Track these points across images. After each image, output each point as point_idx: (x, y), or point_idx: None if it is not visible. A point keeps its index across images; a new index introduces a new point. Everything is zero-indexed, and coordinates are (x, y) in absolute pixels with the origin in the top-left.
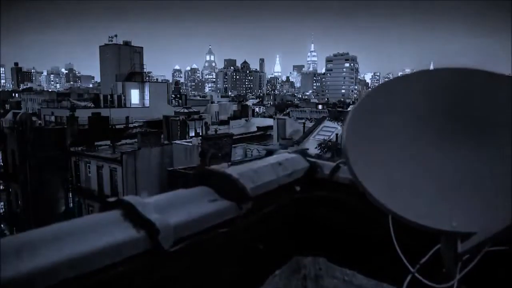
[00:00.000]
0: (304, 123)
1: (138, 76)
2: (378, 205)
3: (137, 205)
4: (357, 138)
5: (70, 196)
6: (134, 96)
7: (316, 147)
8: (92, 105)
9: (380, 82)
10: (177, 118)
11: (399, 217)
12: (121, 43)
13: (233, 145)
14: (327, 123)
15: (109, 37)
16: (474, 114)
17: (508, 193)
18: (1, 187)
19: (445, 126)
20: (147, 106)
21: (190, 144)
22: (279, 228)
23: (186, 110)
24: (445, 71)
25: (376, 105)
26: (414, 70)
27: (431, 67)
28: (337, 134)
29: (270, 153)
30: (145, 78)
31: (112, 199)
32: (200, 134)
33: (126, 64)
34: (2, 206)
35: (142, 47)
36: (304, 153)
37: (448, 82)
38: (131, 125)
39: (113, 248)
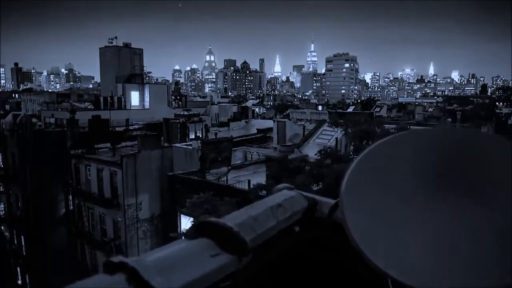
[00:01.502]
0: (304, 126)
1: (138, 78)
2: (374, 268)
3: (140, 270)
4: (355, 200)
5: (70, 198)
6: (134, 98)
7: (316, 154)
8: (92, 107)
9: (380, 82)
10: (177, 121)
11: (395, 280)
12: (121, 45)
13: (233, 149)
14: (326, 127)
15: (109, 39)
16: (472, 175)
17: (508, 257)
18: (1, 188)
19: (443, 187)
20: (147, 108)
21: (190, 147)
22: (278, 271)
23: (186, 113)
24: (445, 130)
25: (377, 161)
26: (414, 70)
27: (431, 68)
28: (336, 138)
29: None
30: (145, 80)
31: (116, 260)
32: (200, 136)
33: (126, 66)
34: (2, 209)
35: (142, 49)
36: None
37: (448, 141)
38: (131, 127)
39: None
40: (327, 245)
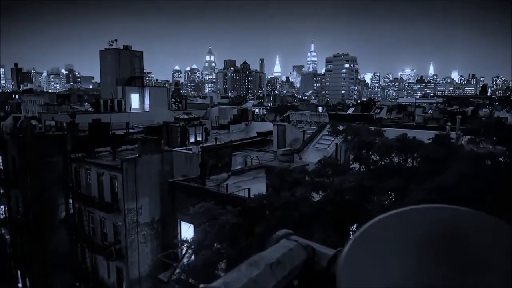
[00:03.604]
0: (304, 131)
1: (138, 81)
2: None
3: None
4: (353, 268)
5: (71, 202)
6: (134, 100)
7: (315, 163)
8: (92, 110)
9: (380, 83)
10: (177, 124)
11: None
12: (121, 47)
13: (233, 153)
14: (326, 132)
15: (109, 41)
16: (468, 258)
17: None
18: (1, 191)
19: (438, 268)
20: (147, 110)
21: (190, 151)
22: None
23: (186, 116)
24: (443, 210)
25: (376, 235)
26: (414, 70)
27: (431, 68)
28: (336, 144)
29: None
30: (145, 81)
31: None
32: (200, 140)
33: (126, 68)
34: (3, 212)
35: (142, 52)
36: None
37: (447, 221)
38: (131, 131)
39: None
40: None
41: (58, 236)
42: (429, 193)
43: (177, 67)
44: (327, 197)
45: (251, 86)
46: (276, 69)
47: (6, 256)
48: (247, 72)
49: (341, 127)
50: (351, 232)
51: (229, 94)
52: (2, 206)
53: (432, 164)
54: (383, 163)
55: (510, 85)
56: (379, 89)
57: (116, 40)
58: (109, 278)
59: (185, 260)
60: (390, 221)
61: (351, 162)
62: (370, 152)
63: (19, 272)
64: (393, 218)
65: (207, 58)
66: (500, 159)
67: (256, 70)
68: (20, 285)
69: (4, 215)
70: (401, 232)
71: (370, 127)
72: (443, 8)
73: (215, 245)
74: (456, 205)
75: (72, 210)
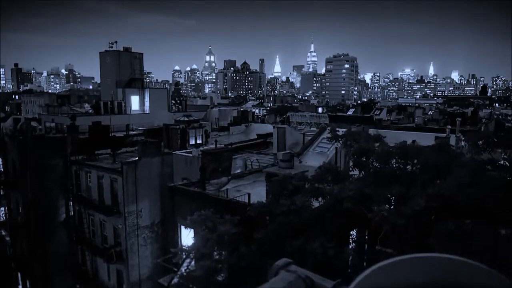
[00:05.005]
0: (304, 134)
1: (138, 82)
2: None
3: None
4: None
5: (71, 204)
6: (134, 102)
7: (316, 170)
8: (92, 111)
9: (380, 83)
10: (177, 127)
11: None
12: (121, 49)
13: (233, 156)
14: (326, 135)
15: (109, 43)
16: None
17: None
18: (1, 193)
19: None
20: (147, 112)
21: (190, 154)
22: None
23: (186, 118)
24: (441, 260)
25: (375, 282)
26: (414, 70)
27: (431, 68)
28: (336, 148)
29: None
30: (145, 82)
31: None
32: (200, 142)
33: (126, 70)
34: (3, 214)
35: (142, 53)
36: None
37: (444, 272)
38: (131, 133)
39: None
40: None
41: (58, 238)
42: (429, 200)
43: (177, 67)
44: (327, 205)
45: (251, 86)
46: (276, 69)
47: (6, 258)
48: (247, 72)
49: (340, 131)
50: (350, 239)
51: (229, 94)
52: (2, 208)
53: (432, 170)
54: (385, 167)
55: (510, 85)
56: (379, 89)
57: (116, 42)
58: (109, 281)
59: (184, 265)
60: (390, 269)
61: (350, 168)
62: (370, 160)
63: (19, 274)
64: (393, 266)
65: (207, 58)
66: (500, 162)
67: (256, 70)
68: (20, 287)
69: (4, 217)
70: (400, 281)
71: (369, 132)
72: (443, 8)
73: (215, 252)
74: (456, 210)
75: (72, 212)
